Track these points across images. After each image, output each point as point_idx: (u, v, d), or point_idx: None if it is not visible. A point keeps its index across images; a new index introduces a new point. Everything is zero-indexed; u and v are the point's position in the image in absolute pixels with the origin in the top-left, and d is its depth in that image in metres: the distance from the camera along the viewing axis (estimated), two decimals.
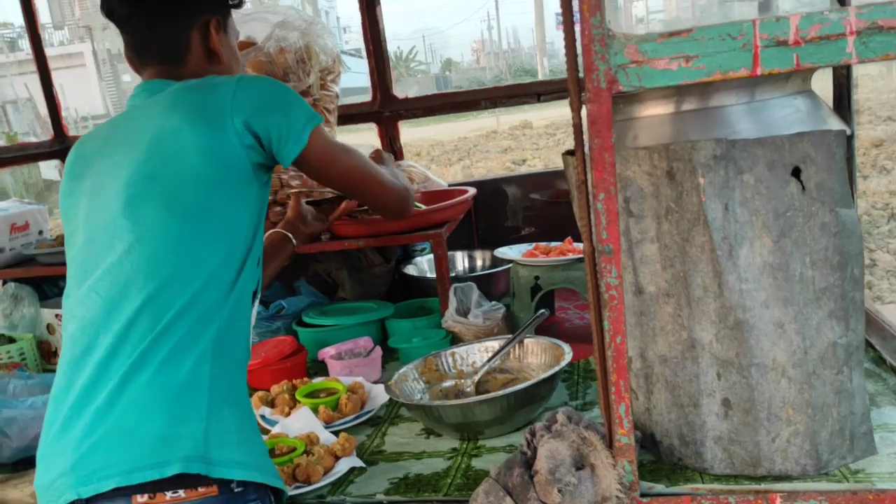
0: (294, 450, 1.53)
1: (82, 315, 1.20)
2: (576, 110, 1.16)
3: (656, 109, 1.36)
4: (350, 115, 2.67)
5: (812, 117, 1.29)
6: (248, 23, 2.18)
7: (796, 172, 1.22)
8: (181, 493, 1.12)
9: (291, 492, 1.44)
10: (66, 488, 1.13)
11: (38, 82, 2.81)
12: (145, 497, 1.11)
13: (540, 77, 23.71)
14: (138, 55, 1.37)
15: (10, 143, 11.61)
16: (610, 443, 1.26)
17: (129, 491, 1.11)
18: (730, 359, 1.26)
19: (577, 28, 1.11)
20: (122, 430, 1.12)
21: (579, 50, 1.11)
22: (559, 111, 17.20)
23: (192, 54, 1.37)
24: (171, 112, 1.24)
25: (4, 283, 2.43)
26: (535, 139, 14.38)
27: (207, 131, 1.21)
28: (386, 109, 2.70)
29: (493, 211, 2.95)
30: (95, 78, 21.71)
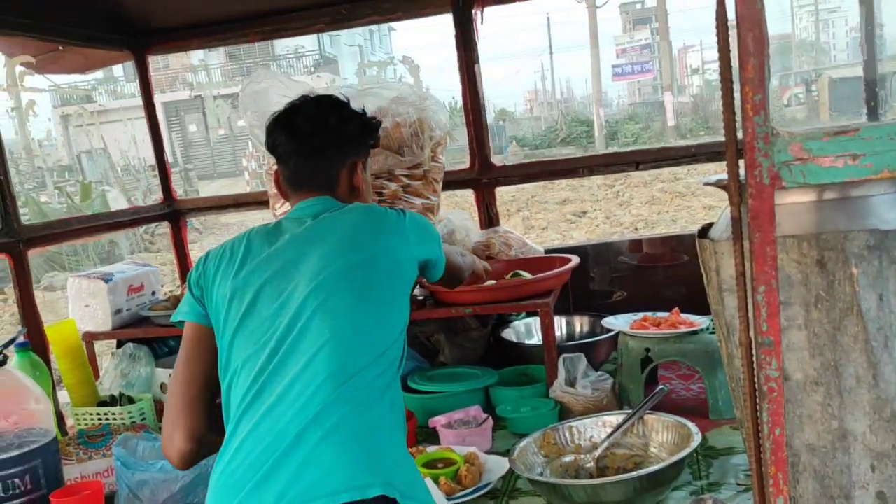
0: None
1: (276, 381, 1.32)
2: (735, 205, 1.18)
3: (797, 197, 1.37)
4: (448, 182, 2.73)
5: None
6: (362, 97, 2.26)
7: None
8: None
9: None
10: None
11: (150, 146, 2.95)
12: None
13: (595, 126, 23.78)
14: (294, 185, 1.57)
15: (84, 192, 12.10)
16: None
17: None
18: (885, 451, 1.24)
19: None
20: (321, 463, 1.24)
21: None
22: None
23: (339, 187, 1.58)
24: (362, 225, 1.47)
25: (120, 343, 2.53)
26: (594, 190, 14.35)
27: (394, 244, 1.46)
28: (484, 176, 2.75)
29: (582, 275, 2.97)
30: (165, 128, 22.71)
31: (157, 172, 2.96)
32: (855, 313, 1.24)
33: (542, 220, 12.03)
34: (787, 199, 1.37)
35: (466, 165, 2.78)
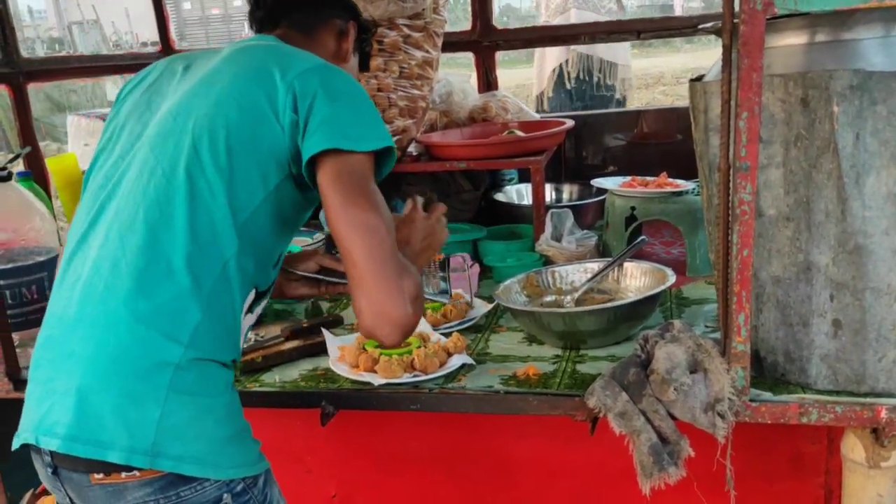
0: (410, 343, 1.65)
1: (81, 255, 1.19)
2: (727, 31, 1.21)
3: (790, 39, 1.40)
4: (448, 44, 2.72)
5: None
6: None
7: None
8: (135, 472, 1.10)
9: (409, 379, 1.56)
10: (30, 431, 1.15)
11: (143, 21, 2.90)
12: (101, 475, 1.11)
13: None
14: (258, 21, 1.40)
15: None
16: (724, 350, 1.35)
17: (84, 467, 1.10)
18: (845, 282, 1.32)
19: None
20: (76, 389, 1.09)
21: None
22: None
23: (319, 38, 1.38)
24: (241, 64, 1.21)
25: None
26: None
27: (261, 102, 1.15)
28: (485, 39, 2.74)
29: (576, 149, 3.01)
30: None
31: (149, 48, 2.90)
32: (831, 151, 1.29)
33: None
34: (781, 41, 1.40)
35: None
